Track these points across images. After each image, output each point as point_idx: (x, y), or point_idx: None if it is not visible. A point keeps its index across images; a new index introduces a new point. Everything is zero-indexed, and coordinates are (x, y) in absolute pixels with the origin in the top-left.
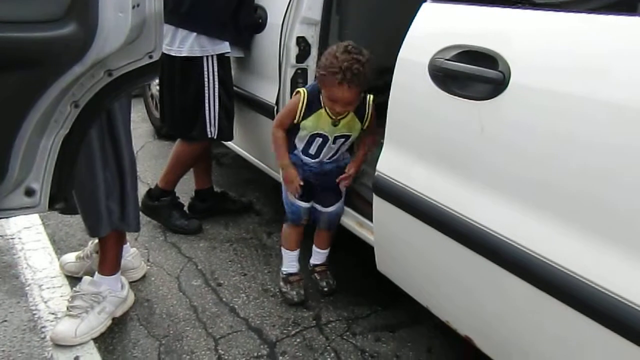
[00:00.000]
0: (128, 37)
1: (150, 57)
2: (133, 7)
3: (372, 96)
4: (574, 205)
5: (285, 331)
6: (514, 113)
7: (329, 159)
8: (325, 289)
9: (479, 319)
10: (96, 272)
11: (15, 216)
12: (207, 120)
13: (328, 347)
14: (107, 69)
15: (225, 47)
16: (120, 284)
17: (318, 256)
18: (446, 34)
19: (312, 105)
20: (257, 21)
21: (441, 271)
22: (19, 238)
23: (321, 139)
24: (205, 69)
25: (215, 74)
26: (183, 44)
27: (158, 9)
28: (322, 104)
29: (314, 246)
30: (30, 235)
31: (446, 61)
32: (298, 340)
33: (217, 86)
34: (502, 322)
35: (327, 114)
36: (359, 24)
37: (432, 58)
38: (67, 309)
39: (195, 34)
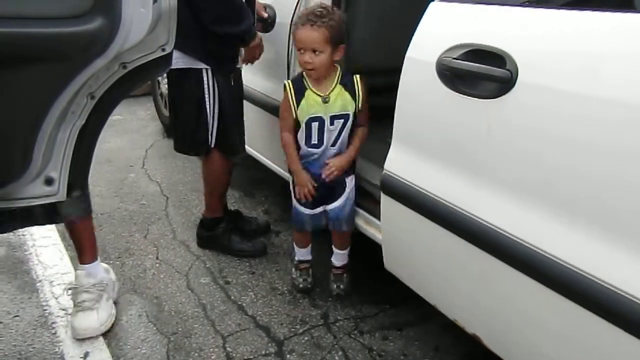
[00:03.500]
0: (148, 32)
1: (163, 50)
2: (153, 2)
3: (358, 75)
4: (582, 204)
5: (293, 329)
6: (521, 112)
7: (333, 145)
8: (334, 292)
9: (486, 317)
10: (81, 265)
11: (35, 204)
12: (208, 130)
13: (336, 346)
14: (122, 61)
15: (189, 63)
16: (102, 268)
17: (337, 256)
18: (453, 33)
19: (299, 91)
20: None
21: (449, 269)
22: (30, 234)
23: (317, 123)
24: (205, 80)
25: (214, 85)
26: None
27: (173, 5)
28: (306, 85)
29: (333, 246)
30: (41, 231)
31: (454, 60)
32: (306, 338)
33: (216, 97)
34: (509, 320)
35: (313, 92)
36: (367, 23)
37: (439, 57)
38: (77, 305)
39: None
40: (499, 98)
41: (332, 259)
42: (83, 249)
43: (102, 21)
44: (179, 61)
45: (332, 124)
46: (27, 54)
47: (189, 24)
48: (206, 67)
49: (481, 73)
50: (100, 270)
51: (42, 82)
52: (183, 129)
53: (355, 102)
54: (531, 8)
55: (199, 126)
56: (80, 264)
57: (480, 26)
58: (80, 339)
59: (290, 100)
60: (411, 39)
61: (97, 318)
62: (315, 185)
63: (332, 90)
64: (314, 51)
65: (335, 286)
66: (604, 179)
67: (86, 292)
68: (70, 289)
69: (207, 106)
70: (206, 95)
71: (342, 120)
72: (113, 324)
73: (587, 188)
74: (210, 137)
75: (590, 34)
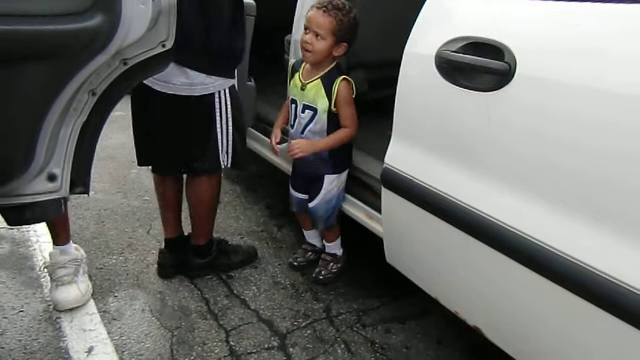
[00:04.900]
0: (148, 28)
1: (164, 45)
2: None
3: (342, 77)
4: (583, 195)
5: (295, 323)
6: (520, 103)
7: (302, 133)
8: (314, 276)
9: (487, 310)
10: (55, 245)
11: (39, 200)
12: (220, 149)
13: (338, 339)
14: (122, 58)
15: (225, 84)
16: (73, 246)
17: (327, 248)
18: (452, 26)
19: (293, 71)
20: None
21: (450, 262)
22: (34, 230)
23: (294, 106)
24: (217, 98)
25: (227, 101)
26: (178, 79)
27: (172, 1)
28: (299, 68)
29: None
30: (45, 227)
31: (452, 53)
32: (309, 332)
33: (229, 113)
34: (510, 312)
35: (299, 77)
36: (366, 17)
37: (438, 50)
38: (55, 280)
39: (185, 69)
40: (498, 90)
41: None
42: (60, 232)
43: (103, 18)
44: (210, 87)
45: (302, 112)
46: (29, 52)
47: (221, 45)
48: (233, 82)
49: (480, 66)
50: (72, 248)
51: (43, 79)
52: (181, 155)
53: (329, 101)
54: (529, 0)
55: (207, 149)
56: (56, 245)
57: (478, 19)
58: (83, 332)
59: (288, 77)
60: (410, 32)
61: (78, 289)
62: (278, 141)
63: (312, 81)
64: (317, 36)
65: (317, 270)
66: (604, 171)
67: (63, 267)
68: (46, 267)
69: (219, 126)
70: (217, 115)
71: (311, 113)
72: (115, 318)
73: (587, 180)
74: (225, 157)
75: (588, 25)
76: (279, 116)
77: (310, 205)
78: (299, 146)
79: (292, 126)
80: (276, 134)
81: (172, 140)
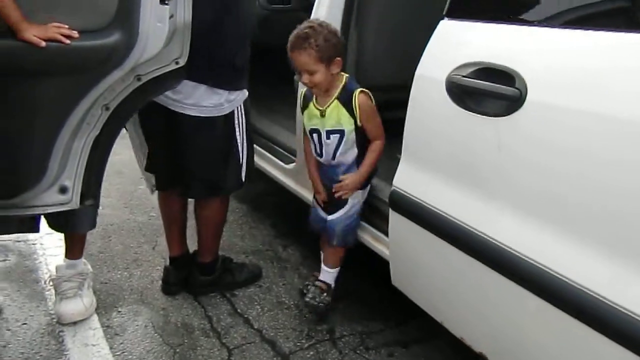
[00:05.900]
0: (164, 45)
1: (177, 62)
2: (170, 17)
3: (358, 90)
4: (590, 222)
5: (298, 344)
6: (530, 130)
7: (333, 158)
8: (307, 300)
9: (493, 336)
10: (65, 259)
11: (50, 212)
12: (241, 168)
13: None
14: (137, 74)
15: (243, 96)
16: (82, 261)
17: (324, 274)
18: (463, 51)
19: (306, 102)
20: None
21: (456, 287)
22: (41, 244)
23: (316, 135)
24: (236, 114)
25: (243, 115)
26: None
27: (187, 20)
28: (311, 97)
29: (322, 260)
30: (52, 241)
31: (463, 78)
32: (311, 353)
33: (244, 128)
34: (517, 340)
35: (314, 104)
36: (377, 40)
37: (449, 75)
38: (60, 293)
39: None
40: (509, 116)
41: (320, 275)
42: (75, 245)
43: (121, 35)
44: (235, 102)
45: (327, 137)
46: (47, 67)
47: (243, 58)
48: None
49: (490, 91)
50: (82, 263)
51: (60, 93)
52: (208, 176)
53: (354, 117)
54: (540, 27)
55: (229, 167)
56: (67, 258)
57: (489, 45)
58: (85, 346)
59: (300, 107)
60: (421, 56)
61: (82, 303)
62: (325, 199)
63: (329, 105)
64: (309, 72)
65: (305, 292)
66: (616, 197)
67: (68, 281)
68: (52, 280)
69: (238, 140)
70: (237, 129)
71: (337, 135)
72: (118, 334)
73: (599, 206)
74: (242, 173)
75: (598, 53)
76: (310, 165)
77: (330, 218)
78: (347, 186)
79: (320, 155)
80: (319, 190)
81: (200, 163)
